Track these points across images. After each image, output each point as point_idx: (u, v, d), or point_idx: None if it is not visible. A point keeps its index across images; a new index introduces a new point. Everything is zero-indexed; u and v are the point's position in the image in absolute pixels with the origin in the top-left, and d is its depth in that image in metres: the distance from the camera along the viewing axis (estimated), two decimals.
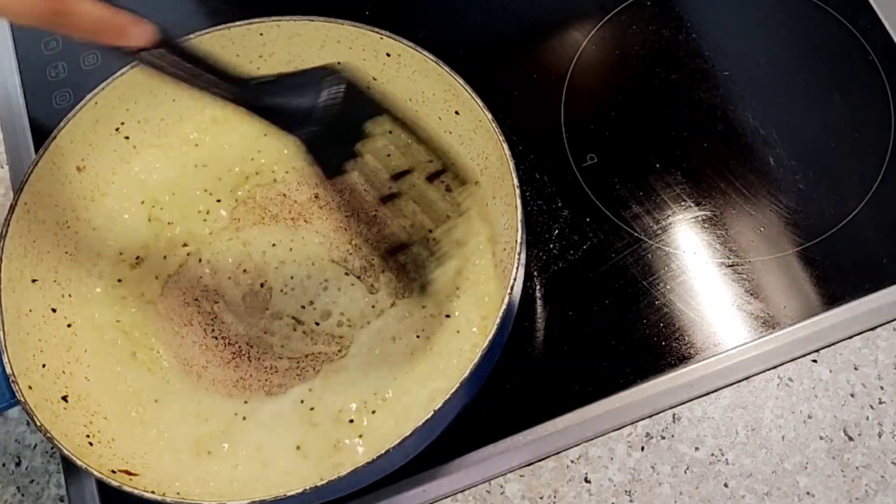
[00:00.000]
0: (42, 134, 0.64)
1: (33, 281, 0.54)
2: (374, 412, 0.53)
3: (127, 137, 0.59)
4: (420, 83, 0.57)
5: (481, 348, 0.47)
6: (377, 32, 0.56)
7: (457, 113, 0.56)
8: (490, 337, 0.47)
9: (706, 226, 0.60)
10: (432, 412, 0.46)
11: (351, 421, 0.53)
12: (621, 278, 0.58)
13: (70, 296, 0.56)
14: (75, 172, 0.56)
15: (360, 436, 0.52)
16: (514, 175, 0.51)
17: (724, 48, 0.65)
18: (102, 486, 0.53)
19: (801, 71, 0.64)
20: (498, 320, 0.48)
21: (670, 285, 0.58)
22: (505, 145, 0.52)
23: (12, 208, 0.52)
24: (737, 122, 0.62)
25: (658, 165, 0.62)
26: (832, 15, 0.65)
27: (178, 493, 0.48)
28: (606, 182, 0.61)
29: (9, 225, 0.52)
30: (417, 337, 0.55)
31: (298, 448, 0.53)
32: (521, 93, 0.64)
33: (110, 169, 0.59)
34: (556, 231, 0.60)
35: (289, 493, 0.46)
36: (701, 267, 0.58)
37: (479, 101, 0.53)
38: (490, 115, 0.53)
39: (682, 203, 0.60)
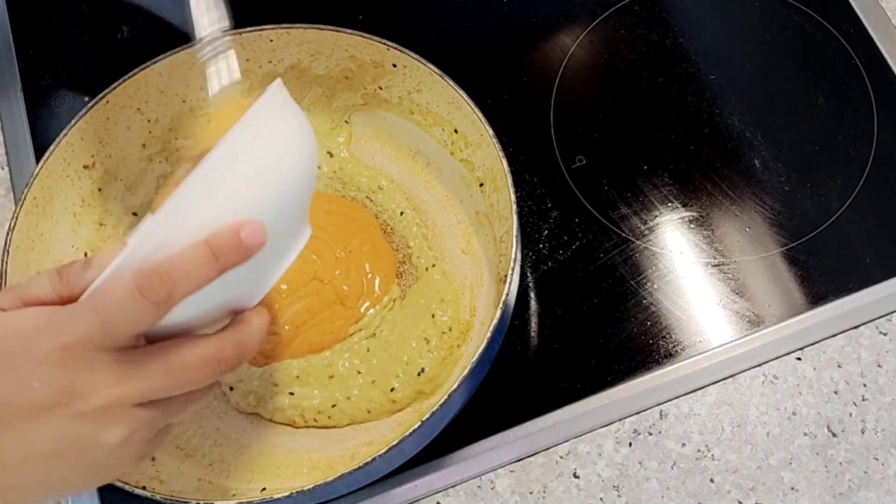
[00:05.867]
0: (42, 136, 0.65)
1: (38, 274, 0.54)
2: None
3: (137, 136, 0.60)
4: (424, 95, 0.58)
5: (477, 352, 0.48)
6: (384, 43, 0.56)
7: (455, 131, 0.58)
8: (484, 344, 0.48)
9: (693, 226, 0.61)
10: (430, 414, 0.47)
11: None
12: (609, 278, 0.59)
13: None
14: (84, 170, 0.57)
15: None
16: (511, 192, 0.52)
17: (710, 52, 0.66)
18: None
19: (786, 75, 0.65)
20: (489, 333, 0.48)
21: (657, 284, 0.59)
22: (504, 162, 0.52)
23: (21, 202, 0.53)
24: (723, 124, 0.63)
25: (645, 167, 0.62)
26: (816, 20, 0.66)
27: (174, 493, 0.48)
28: (595, 183, 0.62)
29: (17, 218, 0.53)
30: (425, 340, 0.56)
31: (278, 469, 0.54)
32: (511, 95, 0.65)
33: (120, 166, 0.60)
34: (546, 231, 0.61)
35: (286, 494, 0.46)
36: (687, 266, 0.59)
37: (480, 115, 0.54)
38: (492, 131, 0.53)
39: (669, 204, 0.61)
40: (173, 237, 0.36)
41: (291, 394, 0.55)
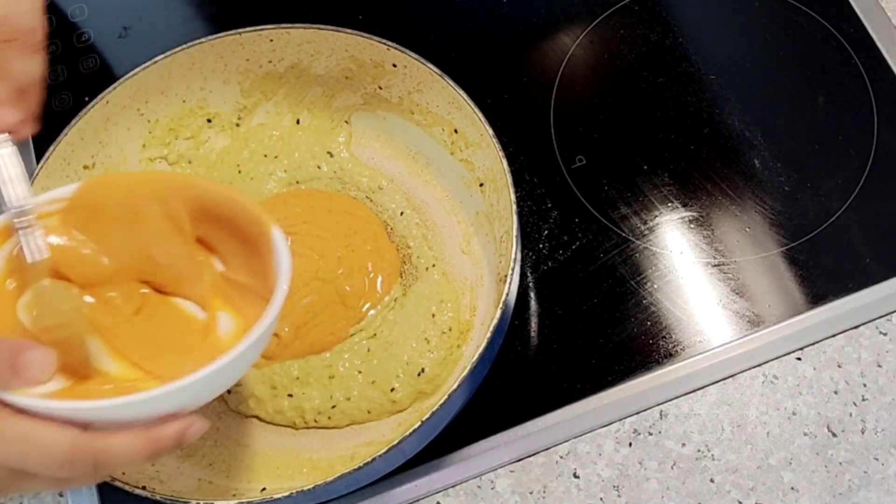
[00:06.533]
0: (41, 136, 0.65)
1: None
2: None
3: (137, 136, 0.60)
4: (424, 95, 0.58)
5: (477, 352, 0.48)
6: (384, 43, 0.56)
7: (455, 131, 0.58)
8: (484, 344, 0.48)
9: (693, 226, 0.61)
10: (430, 414, 0.47)
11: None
12: (609, 278, 0.59)
13: None
14: (84, 170, 0.57)
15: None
16: (511, 192, 0.52)
17: (710, 52, 0.66)
18: (102, 482, 0.53)
19: (786, 74, 0.65)
20: (489, 333, 0.48)
21: (657, 284, 0.59)
22: (504, 162, 0.52)
23: None
24: (723, 124, 0.63)
25: (645, 167, 0.62)
26: (816, 20, 0.66)
27: (174, 493, 0.48)
28: (595, 183, 0.62)
29: None
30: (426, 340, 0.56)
31: (278, 469, 0.54)
32: (512, 95, 0.65)
33: (120, 166, 0.59)
34: (546, 231, 0.61)
35: (286, 494, 0.46)
36: (687, 266, 0.59)
37: (480, 115, 0.54)
38: (492, 131, 0.53)
39: (669, 204, 0.61)
40: (125, 415, 0.37)
41: (291, 395, 0.55)
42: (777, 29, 0.66)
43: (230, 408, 0.56)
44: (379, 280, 0.58)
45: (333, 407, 0.54)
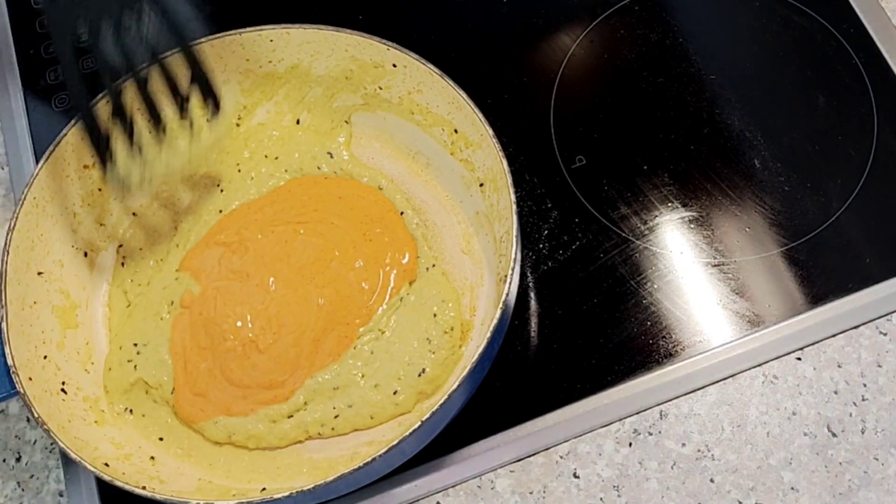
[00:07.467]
0: (41, 136, 0.65)
1: (39, 273, 0.54)
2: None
3: (137, 136, 0.60)
4: (424, 95, 0.58)
5: (477, 352, 0.48)
6: (384, 43, 0.56)
7: (455, 131, 0.58)
8: (484, 344, 0.48)
9: (693, 226, 0.61)
10: (430, 414, 0.47)
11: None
12: (609, 278, 0.59)
13: (75, 290, 0.57)
14: (84, 170, 0.57)
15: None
16: (511, 192, 0.52)
17: (710, 52, 0.66)
18: (101, 480, 0.53)
19: (786, 74, 0.65)
20: (489, 333, 0.48)
21: (657, 284, 0.59)
22: (504, 162, 0.52)
23: (21, 202, 0.53)
24: (723, 124, 0.63)
25: (645, 167, 0.62)
26: (816, 20, 0.66)
27: (174, 493, 0.48)
28: (595, 183, 0.62)
29: (17, 218, 0.53)
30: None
31: (277, 469, 0.54)
32: (512, 95, 0.65)
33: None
34: (546, 231, 0.61)
35: (286, 494, 0.46)
36: (687, 266, 0.59)
37: (480, 115, 0.54)
38: (492, 131, 0.53)
39: (669, 204, 0.61)
40: None
41: (291, 416, 0.54)
42: (777, 29, 0.66)
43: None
44: (393, 274, 0.57)
45: (336, 417, 0.54)
